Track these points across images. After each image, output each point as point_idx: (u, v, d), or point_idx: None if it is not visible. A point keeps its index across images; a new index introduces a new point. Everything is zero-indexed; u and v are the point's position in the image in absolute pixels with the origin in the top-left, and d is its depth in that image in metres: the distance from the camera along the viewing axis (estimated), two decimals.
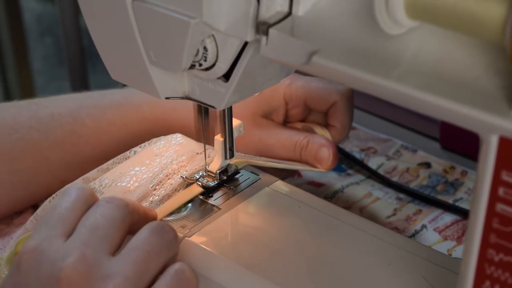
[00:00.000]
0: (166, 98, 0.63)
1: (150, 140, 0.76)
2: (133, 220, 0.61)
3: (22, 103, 0.83)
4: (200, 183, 0.71)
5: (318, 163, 0.76)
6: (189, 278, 0.59)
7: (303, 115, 0.81)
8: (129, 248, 0.59)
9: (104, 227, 0.59)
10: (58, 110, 0.81)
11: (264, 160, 0.76)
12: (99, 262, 0.57)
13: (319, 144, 0.76)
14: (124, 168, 0.73)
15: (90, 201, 0.61)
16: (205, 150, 0.72)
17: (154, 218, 0.65)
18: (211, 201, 0.70)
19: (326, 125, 0.80)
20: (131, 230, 0.61)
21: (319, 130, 0.79)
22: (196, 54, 0.58)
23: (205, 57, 0.58)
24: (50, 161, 0.79)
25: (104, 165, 0.74)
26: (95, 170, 0.73)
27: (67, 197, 0.61)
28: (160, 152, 0.75)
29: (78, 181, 0.72)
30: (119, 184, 0.71)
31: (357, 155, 0.90)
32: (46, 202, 0.70)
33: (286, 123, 0.81)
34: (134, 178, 0.72)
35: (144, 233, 0.60)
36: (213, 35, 0.57)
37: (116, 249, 0.59)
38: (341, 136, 0.80)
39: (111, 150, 0.80)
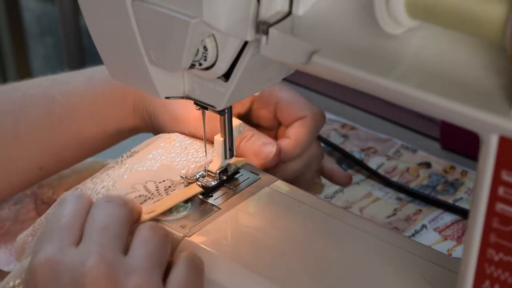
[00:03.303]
0: (166, 97, 0.63)
1: (157, 136, 0.76)
2: (134, 217, 0.63)
3: None
4: (200, 183, 0.71)
5: (255, 156, 0.73)
6: (200, 263, 0.62)
7: (272, 121, 0.77)
8: (137, 243, 0.60)
9: (114, 226, 0.60)
10: (30, 91, 0.79)
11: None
12: (117, 259, 0.58)
13: (263, 142, 0.73)
14: (141, 156, 0.73)
15: (87, 206, 0.62)
16: (205, 149, 0.72)
17: (140, 213, 0.65)
18: (211, 201, 0.69)
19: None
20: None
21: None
22: (196, 54, 0.58)
23: (205, 56, 0.58)
24: (26, 144, 0.77)
25: (110, 164, 0.74)
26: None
27: (67, 206, 0.61)
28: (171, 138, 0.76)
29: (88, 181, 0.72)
30: (139, 168, 0.72)
31: (357, 155, 0.90)
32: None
33: (257, 126, 0.78)
34: (153, 160, 0.72)
35: (144, 230, 0.61)
36: (213, 35, 0.57)
37: (127, 246, 0.60)
38: (291, 151, 0.74)
39: (85, 128, 0.78)
